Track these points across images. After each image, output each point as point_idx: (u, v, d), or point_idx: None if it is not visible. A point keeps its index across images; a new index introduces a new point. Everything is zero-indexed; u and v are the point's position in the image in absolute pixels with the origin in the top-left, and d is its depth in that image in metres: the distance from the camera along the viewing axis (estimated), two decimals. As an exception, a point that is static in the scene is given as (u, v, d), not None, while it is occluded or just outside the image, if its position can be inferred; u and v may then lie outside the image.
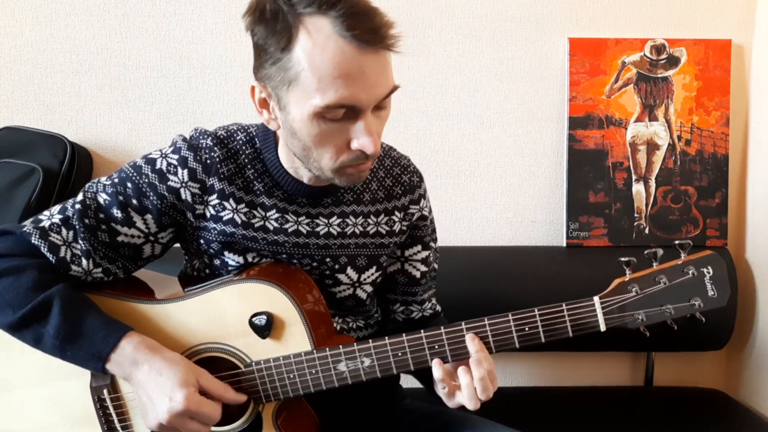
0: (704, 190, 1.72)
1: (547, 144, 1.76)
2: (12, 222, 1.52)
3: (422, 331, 0.96)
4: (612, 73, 1.71)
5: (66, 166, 1.62)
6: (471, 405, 0.94)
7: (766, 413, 1.64)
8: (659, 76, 1.72)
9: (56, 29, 1.69)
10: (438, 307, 1.23)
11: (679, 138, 1.72)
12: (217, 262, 1.05)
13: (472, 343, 0.94)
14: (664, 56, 1.71)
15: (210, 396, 0.94)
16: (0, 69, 1.70)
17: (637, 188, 1.72)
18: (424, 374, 1.08)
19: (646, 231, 1.72)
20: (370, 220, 1.09)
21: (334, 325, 1.08)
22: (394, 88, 0.90)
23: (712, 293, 0.92)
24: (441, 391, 0.96)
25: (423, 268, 1.17)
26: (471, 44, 1.72)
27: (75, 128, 1.72)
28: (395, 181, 1.11)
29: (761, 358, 1.69)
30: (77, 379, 1.02)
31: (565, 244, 1.73)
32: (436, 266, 1.21)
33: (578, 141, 1.72)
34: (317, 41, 0.84)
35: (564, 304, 0.94)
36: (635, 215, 1.72)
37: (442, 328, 0.96)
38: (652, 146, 1.72)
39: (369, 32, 0.84)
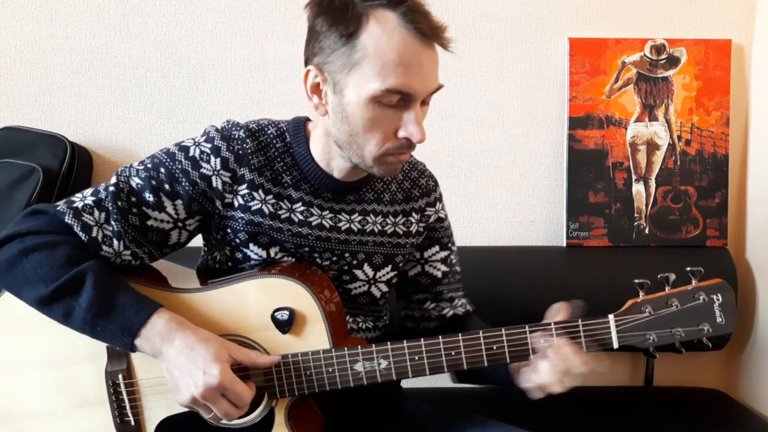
0: (704, 190, 1.72)
1: (547, 144, 1.76)
2: (11, 222, 1.52)
3: (440, 336, 0.98)
4: (612, 73, 1.71)
5: (66, 166, 1.62)
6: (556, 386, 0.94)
7: (766, 413, 1.64)
8: (659, 76, 1.72)
9: (56, 29, 1.69)
10: (469, 307, 1.22)
11: (679, 138, 1.72)
12: (239, 255, 1.07)
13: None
14: (664, 56, 1.71)
15: (243, 365, 0.95)
16: (0, 69, 1.70)
17: (637, 188, 1.73)
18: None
19: (646, 231, 1.72)
20: (388, 220, 1.12)
21: (347, 326, 1.09)
22: (440, 87, 0.99)
23: (721, 320, 0.95)
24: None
25: (443, 268, 1.19)
26: (471, 44, 1.73)
27: (75, 128, 1.72)
28: (413, 184, 1.15)
29: (761, 358, 1.69)
30: (92, 362, 1.02)
31: (565, 244, 1.73)
32: (458, 269, 1.23)
33: (578, 141, 1.72)
34: (385, 30, 0.92)
35: (580, 320, 0.95)
36: (635, 215, 1.72)
37: (459, 335, 0.97)
38: (652, 146, 1.72)
39: (430, 28, 0.94)
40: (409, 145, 0.97)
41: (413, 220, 1.14)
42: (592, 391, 1.73)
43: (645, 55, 1.71)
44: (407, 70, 0.92)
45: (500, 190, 1.78)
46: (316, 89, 0.98)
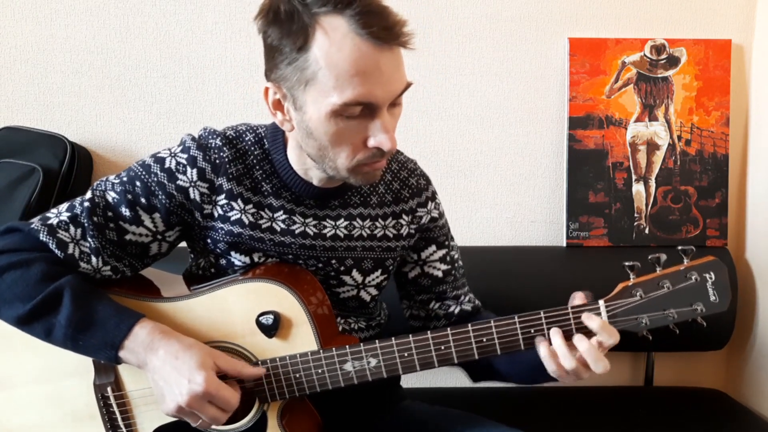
0: (704, 190, 1.72)
1: (547, 144, 1.76)
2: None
3: (428, 332, 0.97)
4: (612, 73, 1.71)
5: (66, 166, 1.62)
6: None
7: (766, 413, 1.64)
8: (659, 76, 1.72)
9: (56, 29, 1.69)
10: (477, 302, 1.20)
11: (679, 138, 1.72)
12: (223, 261, 1.05)
13: (590, 320, 0.92)
14: (664, 56, 1.71)
15: (228, 376, 0.94)
16: (0, 69, 1.70)
17: (637, 188, 1.73)
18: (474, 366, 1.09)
19: (646, 231, 1.72)
20: (377, 223, 1.09)
21: (338, 326, 1.08)
22: (408, 85, 0.92)
23: (714, 298, 0.93)
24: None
25: (444, 267, 1.15)
26: (471, 44, 1.72)
27: (75, 128, 1.72)
28: (402, 184, 1.12)
29: (761, 358, 1.69)
30: (80, 376, 1.02)
31: (565, 244, 1.73)
32: (461, 263, 1.19)
33: (578, 141, 1.72)
34: (334, 40, 0.85)
35: (569, 307, 0.94)
36: (635, 215, 1.72)
37: (448, 329, 0.96)
38: (652, 146, 1.72)
39: (384, 30, 0.85)
40: (382, 153, 0.92)
41: (403, 222, 1.11)
42: (592, 391, 1.73)
43: (645, 55, 1.71)
44: (365, 80, 0.86)
45: (500, 190, 1.78)
46: (278, 105, 0.94)
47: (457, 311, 1.16)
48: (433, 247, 1.15)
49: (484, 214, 1.79)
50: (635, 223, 1.72)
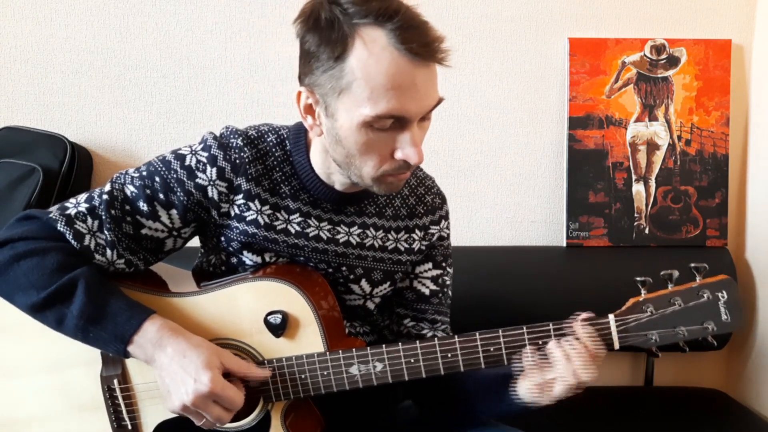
0: (704, 190, 1.72)
1: (547, 144, 1.76)
2: (3, 228, 1.51)
3: (436, 338, 0.97)
4: (612, 73, 1.71)
5: (66, 166, 1.62)
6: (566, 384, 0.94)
7: (766, 413, 1.64)
8: (659, 76, 1.72)
9: (56, 29, 1.69)
10: (451, 333, 1.17)
11: (679, 138, 1.72)
12: (234, 260, 1.05)
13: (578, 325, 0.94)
14: (664, 56, 1.71)
15: (234, 375, 0.94)
16: (0, 69, 1.70)
17: (637, 188, 1.73)
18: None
19: (646, 231, 1.72)
20: (390, 236, 1.09)
21: (345, 329, 1.08)
22: (440, 101, 0.93)
23: (726, 317, 0.93)
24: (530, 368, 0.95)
25: (432, 287, 1.14)
26: (471, 44, 1.72)
27: (75, 128, 1.72)
28: (418, 200, 1.12)
29: (761, 358, 1.69)
30: (87, 367, 1.02)
31: (565, 244, 1.73)
32: (450, 293, 1.18)
33: (578, 141, 1.72)
34: (373, 52, 0.86)
35: (579, 320, 0.94)
36: (635, 215, 1.72)
37: (456, 337, 0.96)
38: (652, 146, 1.72)
39: (423, 46, 0.86)
40: (408, 165, 0.93)
41: (416, 237, 1.11)
42: (592, 391, 1.73)
43: (645, 55, 1.71)
44: (399, 94, 0.86)
45: (500, 190, 1.78)
46: (310, 110, 0.95)
47: (429, 336, 1.14)
48: (430, 265, 1.15)
49: (484, 214, 1.79)
50: (635, 223, 1.72)
